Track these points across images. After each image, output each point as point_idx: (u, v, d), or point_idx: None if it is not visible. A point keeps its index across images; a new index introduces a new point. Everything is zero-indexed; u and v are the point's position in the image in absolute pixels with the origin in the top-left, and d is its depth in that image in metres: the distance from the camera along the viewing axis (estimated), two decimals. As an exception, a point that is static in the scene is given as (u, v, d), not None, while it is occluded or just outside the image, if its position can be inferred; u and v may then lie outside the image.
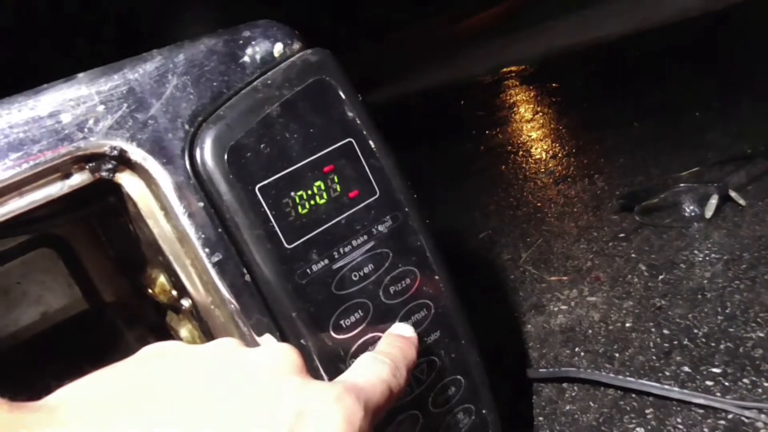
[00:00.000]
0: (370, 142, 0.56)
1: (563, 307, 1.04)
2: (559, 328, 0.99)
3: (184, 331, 0.59)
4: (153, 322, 0.79)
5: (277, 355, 0.38)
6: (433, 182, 2.06)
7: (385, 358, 0.43)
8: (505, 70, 3.63)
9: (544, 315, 1.04)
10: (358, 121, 0.56)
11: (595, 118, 2.10)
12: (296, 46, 0.55)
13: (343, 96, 0.55)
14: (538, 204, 1.54)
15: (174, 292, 0.56)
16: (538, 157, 1.91)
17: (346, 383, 0.37)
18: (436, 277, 0.59)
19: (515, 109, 2.70)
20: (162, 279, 0.57)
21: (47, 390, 0.35)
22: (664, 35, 2.92)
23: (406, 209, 0.58)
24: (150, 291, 0.61)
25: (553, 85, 2.87)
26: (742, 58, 2.09)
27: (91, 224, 0.92)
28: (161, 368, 0.36)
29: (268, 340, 0.52)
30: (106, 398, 0.33)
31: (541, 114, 2.46)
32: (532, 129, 2.26)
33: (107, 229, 0.90)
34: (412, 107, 3.87)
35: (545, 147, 1.99)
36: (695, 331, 0.86)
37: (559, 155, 1.85)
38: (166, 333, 0.65)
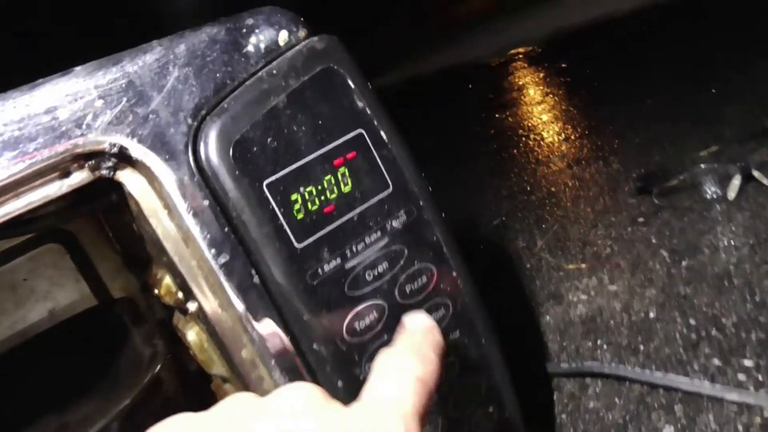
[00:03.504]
0: (382, 133, 0.53)
1: (583, 296, 1.01)
2: (579, 318, 0.96)
3: (192, 333, 0.57)
4: (161, 321, 0.77)
5: (299, 394, 0.34)
6: (442, 166, 2.03)
7: (411, 353, 0.38)
8: (512, 51, 3.57)
9: (563, 305, 1.01)
10: (369, 111, 0.53)
11: (606, 97, 2.05)
12: (302, 33, 0.52)
13: (352, 85, 0.52)
14: (552, 188, 1.50)
15: (180, 294, 0.53)
16: (549, 140, 1.87)
17: (394, 405, 0.33)
18: (454, 274, 0.57)
19: (524, 91, 2.65)
20: (167, 280, 0.55)
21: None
22: (673, 10, 2.85)
23: (421, 202, 0.55)
24: (156, 292, 0.59)
25: (562, 65, 2.82)
26: (763, 27, 2.03)
27: (98, 218, 0.90)
28: None
29: (268, 324, 0.49)
30: None
31: (551, 95, 2.41)
32: (542, 111, 2.21)
33: (113, 224, 0.88)
34: (418, 91, 3.82)
35: (557, 129, 1.94)
36: (723, 320, 0.83)
37: (572, 137, 1.81)
38: (174, 334, 0.63)
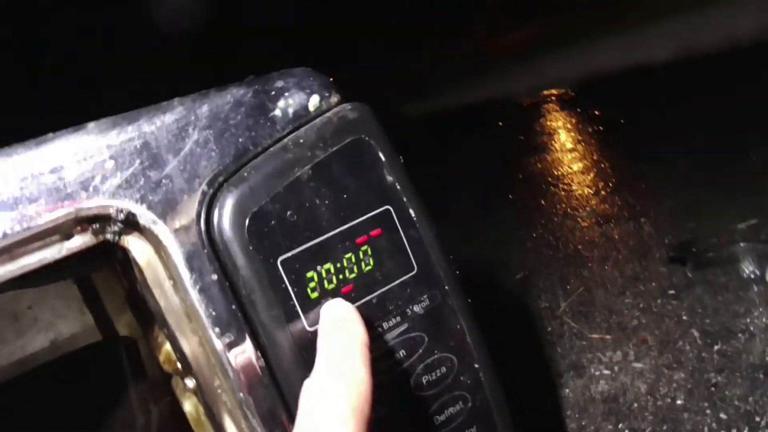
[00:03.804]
0: (410, 211, 0.50)
1: (605, 371, 0.96)
2: (600, 396, 0.91)
3: (188, 404, 0.53)
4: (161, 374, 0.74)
5: None
6: (467, 208, 1.99)
7: (336, 376, 0.36)
8: (545, 93, 3.54)
9: (584, 378, 0.96)
10: (398, 187, 0.49)
11: (639, 151, 2.00)
12: (334, 99, 0.49)
13: (382, 158, 0.49)
14: (579, 246, 1.45)
15: (179, 365, 0.50)
16: (579, 192, 1.83)
17: None
18: (476, 366, 0.52)
19: (555, 136, 2.61)
20: (167, 347, 0.51)
21: None
22: (714, 64, 2.80)
23: (446, 287, 0.51)
24: (156, 354, 0.55)
25: (595, 112, 2.78)
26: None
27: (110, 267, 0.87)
28: None
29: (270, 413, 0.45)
30: None
31: (582, 143, 2.37)
32: (573, 160, 2.17)
33: (123, 260, 0.85)
34: (447, 123, 3.79)
35: (587, 181, 1.90)
36: (757, 419, 0.78)
37: (602, 192, 1.76)
38: (172, 397, 0.59)
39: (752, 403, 0.80)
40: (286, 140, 0.47)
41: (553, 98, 3.39)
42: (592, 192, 1.79)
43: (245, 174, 0.45)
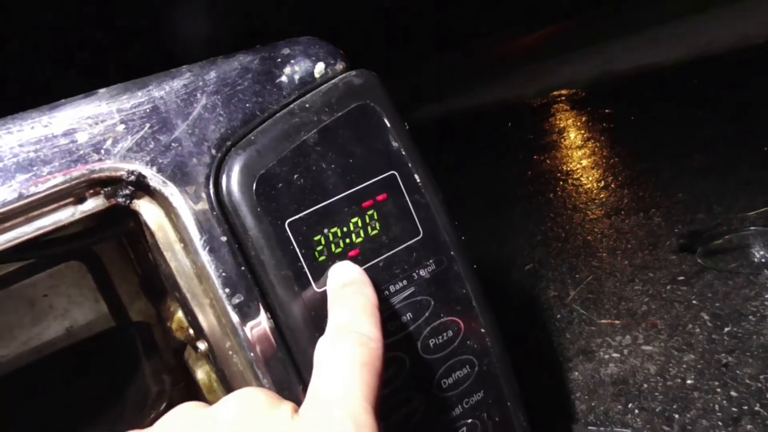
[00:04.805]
0: (416, 176, 0.50)
1: (615, 354, 0.96)
2: (609, 378, 0.91)
3: (201, 372, 0.54)
4: (175, 351, 0.75)
5: (242, 401, 0.33)
6: (477, 207, 2.00)
7: (348, 335, 0.37)
8: (555, 93, 3.54)
9: (594, 362, 0.96)
10: (404, 152, 0.50)
11: (650, 148, 1.99)
12: (339, 66, 0.50)
13: (388, 124, 0.50)
14: (588, 237, 1.45)
15: (191, 331, 0.50)
16: (588, 186, 1.82)
17: (341, 404, 0.32)
18: (482, 330, 0.53)
19: (565, 134, 2.61)
20: (180, 314, 0.52)
21: None
22: (725, 63, 2.79)
23: (452, 252, 0.52)
24: (168, 324, 0.56)
25: (606, 111, 2.78)
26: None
27: (121, 240, 0.89)
28: None
29: (280, 372, 0.46)
30: None
31: (592, 141, 2.37)
32: (582, 156, 2.17)
33: (136, 247, 0.86)
34: (459, 125, 3.80)
35: (596, 176, 1.89)
36: (768, 395, 0.77)
37: (612, 186, 1.76)
38: (184, 368, 0.60)
39: (763, 381, 0.80)
40: (292, 105, 0.48)
41: (563, 98, 3.39)
42: (601, 186, 1.78)
43: (252, 137, 0.46)
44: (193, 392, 0.65)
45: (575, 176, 1.96)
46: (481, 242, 1.65)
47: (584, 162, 2.08)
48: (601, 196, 1.71)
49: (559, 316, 1.14)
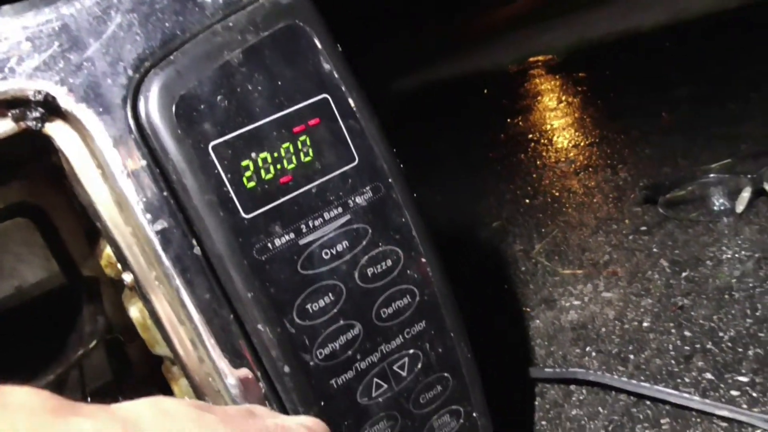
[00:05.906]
0: (350, 100, 0.49)
1: (576, 302, 0.96)
2: (569, 324, 0.91)
3: (134, 310, 0.52)
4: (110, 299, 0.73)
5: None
6: (452, 168, 1.99)
7: None
8: (531, 59, 3.52)
9: (555, 310, 0.96)
10: (336, 75, 0.48)
11: (621, 108, 1.99)
12: (266, -15, 0.48)
13: (318, 45, 0.48)
14: (556, 193, 1.45)
15: (119, 265, 0.49)
16: (559, 146, 1.82)
17: None
18: (423, 260, 0.52)
19: (539, 98, 2.60)
20: (108, 250, 0.50)
21: None
22: (701, 26, 2.78)
23: (390, 180, 0.50)
24: (99, 262, 0.54)
25: (580, 74, 2.76)
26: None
27: (67, 193, 0.86)
28: None
29: (207, 300, 0.44)
30: None
31: (565, 103, 2.36)
32: (555, 118, 2.16)
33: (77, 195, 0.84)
34: (435, 94, 3.77)
35: (567, 136, 1.89)
36: (720, 334, 0.78)
37: (582, 144, 1.76)
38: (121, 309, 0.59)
39: (716, 321, 0.80)
40: (216, 26, 0.46)
41: (539, 64, 3.37)
42: (571, 145, 1.78)
43: (172, 58, 0.44)
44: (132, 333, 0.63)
45: (547, 137, 1.95)
46: (454, 203, 1.64)
47: (556, 123, 2.07)
48: (571, 155, 1.70)
49: (523, 268, 1.14)
